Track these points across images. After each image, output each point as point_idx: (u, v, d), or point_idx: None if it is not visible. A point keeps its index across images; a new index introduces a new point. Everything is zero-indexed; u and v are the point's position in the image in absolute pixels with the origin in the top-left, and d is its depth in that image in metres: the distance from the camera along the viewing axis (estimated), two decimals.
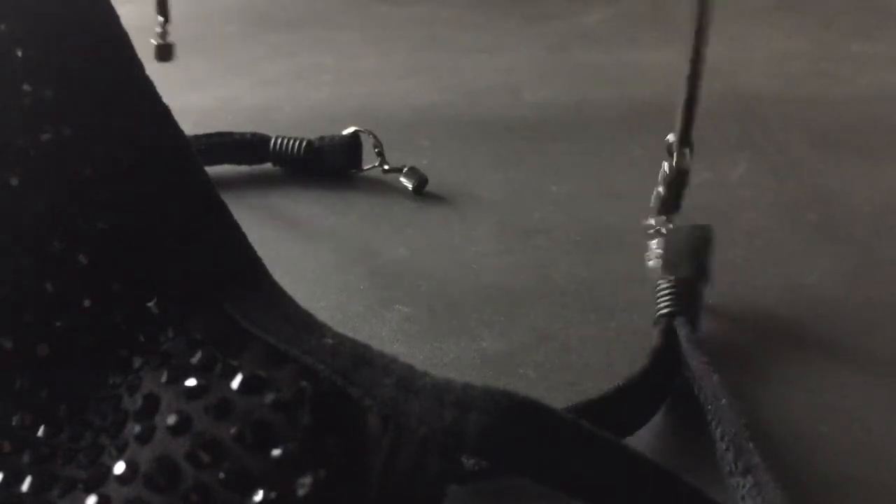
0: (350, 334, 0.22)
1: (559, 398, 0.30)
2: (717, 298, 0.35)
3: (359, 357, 0.21)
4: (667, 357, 0.30)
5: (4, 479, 0.21)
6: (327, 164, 0.47)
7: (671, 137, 0.34)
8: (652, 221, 0.35)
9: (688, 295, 0.32)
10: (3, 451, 0.22)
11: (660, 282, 0.32)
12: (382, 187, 0.46)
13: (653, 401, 0.29)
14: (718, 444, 0.26)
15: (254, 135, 0.47)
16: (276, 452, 0.19)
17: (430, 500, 0.19)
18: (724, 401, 0.26)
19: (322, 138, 0.47)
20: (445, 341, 0.33)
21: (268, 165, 0.47)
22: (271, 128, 0.48)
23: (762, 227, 0.41)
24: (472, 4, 0.77)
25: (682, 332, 0.30)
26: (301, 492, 0.19)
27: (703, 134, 0.51)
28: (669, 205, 0.35)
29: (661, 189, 0.35)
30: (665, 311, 0.31)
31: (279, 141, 0.47)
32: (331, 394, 0.20)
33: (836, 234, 0.41)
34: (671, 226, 0.35)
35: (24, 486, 0.21)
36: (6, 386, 0.23)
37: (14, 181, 0.24)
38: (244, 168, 0.47)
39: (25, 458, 0.22)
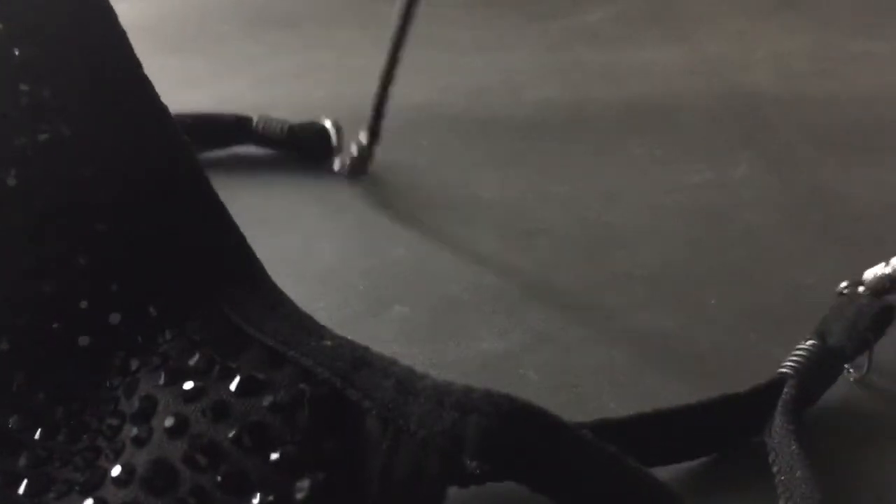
0: (350, 335, 0.22)
1: (560, 399, 0.30)
2: (717, 300, 0.35)
3: (358, 359, 0.21)
4: (754, 405, 0.27)
5: (1, 482, 0.21)
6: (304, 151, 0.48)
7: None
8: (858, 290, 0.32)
9: (819, 367, 0.29)
10: None
11: (806, 339, 0.30)
12: (382, 187, 0.46)
13: (710, 438, 0.27)
14: None
15: (237, 117, 0.49)
16: (274, 455, 0.19)
17: (430, 502, 0.19)
18: (798, 473, 0.24)
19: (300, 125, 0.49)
20: (445, 342, 0.33)
21: (267, 165, 0.47)
22: None
23: (764, 227, 0.41)
24: (472, 3, 0.77)
25: (787, 394, 0.27)
26: (299, 495, 0.19)
27: (705, 133, 0.51)
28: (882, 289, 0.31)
29: (886, 271, 0.31)
30: (783, 369, 0.29)
31: (261, 122, 0.49)
32: (329, 396, 0.20)
33: (838, 234, 0.41)
34: (847, 291, 0.32)
35: (21, 489, 0.21)
36: (3, 388, 0.23)
37: (12, 181, 0.24)
38: (243, 168, 0.47)
39: (22, 461, 0.22)
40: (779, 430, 0.26)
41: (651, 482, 0.19)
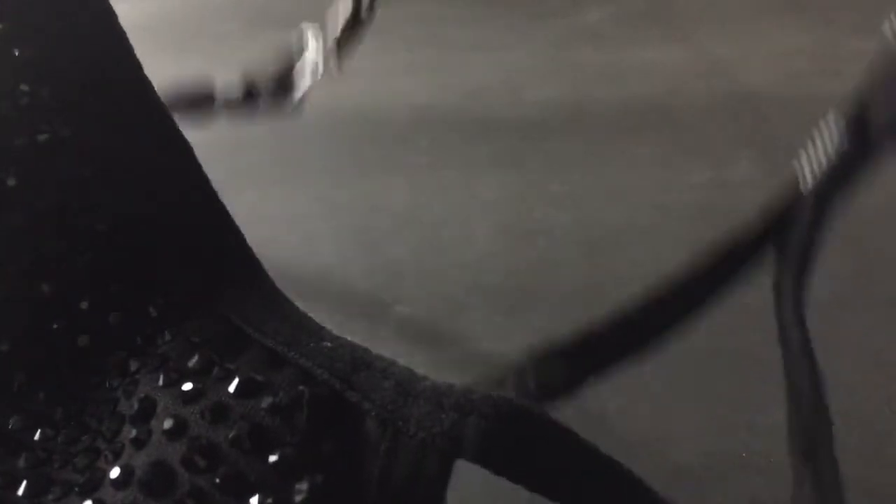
0: (350, 335, 0.22)
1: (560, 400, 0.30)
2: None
3: (357, 360, 0.21)
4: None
5: (1, 482, 0.21)
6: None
7: None
8: None
9: (853, 156, 0.24)
10: None
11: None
12: (382, 187, 0.46)
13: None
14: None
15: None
16: (272, 457, 0.19)
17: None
18: (806, 381, 0.22)
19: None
20: (445, 342, 0.33)
21: (267, 164, 0.47)
22: (270, 126, 0.47)
23: None
24: (472, 2, 0.77)
25: (796, 239, 0.23)
26: (298, 497, 0.19)
27: (705, 133, 0.51)
28: None
29: None
30: (801, 183, 0.23)
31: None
32: (329, 398, 0.20)
33: (837, 233, 0.41)
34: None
35: (20, 491, 0.21)
36: (3, 388, 0.23)
37: (11, 181, 0.24)
38: (242, 167, 0.47)
39: (21, 461, 0.22)
40: (787, 301, 0.23)
41: (646, 490, 0.19)
